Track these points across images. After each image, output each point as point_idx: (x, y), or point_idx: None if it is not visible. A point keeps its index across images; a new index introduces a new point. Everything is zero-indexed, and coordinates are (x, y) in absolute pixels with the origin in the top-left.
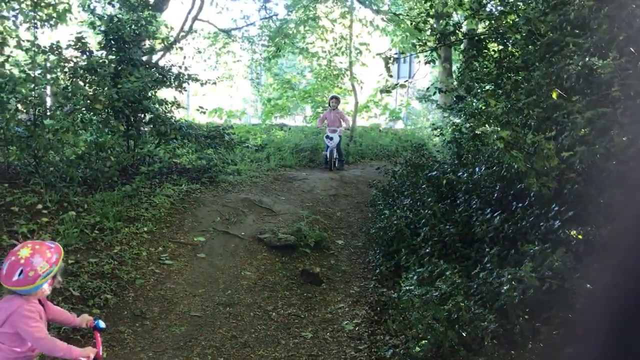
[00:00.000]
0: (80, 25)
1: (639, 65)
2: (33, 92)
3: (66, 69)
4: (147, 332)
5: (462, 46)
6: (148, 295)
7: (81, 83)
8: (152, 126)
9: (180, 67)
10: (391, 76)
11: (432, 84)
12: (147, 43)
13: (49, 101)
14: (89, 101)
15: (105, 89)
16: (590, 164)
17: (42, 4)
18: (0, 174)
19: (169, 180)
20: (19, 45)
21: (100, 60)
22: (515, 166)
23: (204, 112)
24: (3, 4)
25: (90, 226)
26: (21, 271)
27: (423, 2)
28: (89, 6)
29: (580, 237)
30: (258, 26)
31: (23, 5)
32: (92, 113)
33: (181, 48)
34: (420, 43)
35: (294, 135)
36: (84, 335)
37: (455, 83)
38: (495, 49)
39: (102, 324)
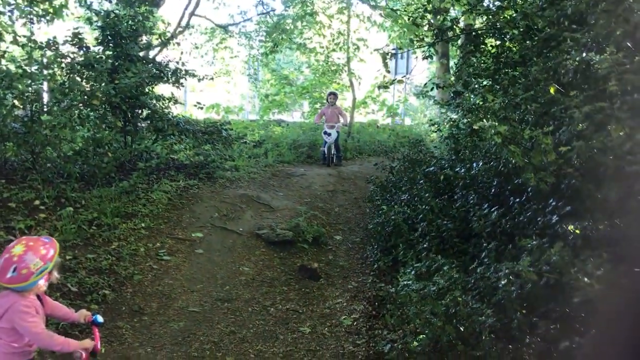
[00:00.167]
0: (77, 20)
1: (636, 60)
2: (30, 88)
3: (63, 65)
4: (145, 328)
5: (459, 42)
6: (146, 291)
7: (78, 79)
8: (149, 122)
9: (177, 62)
10: (388, 72)
11: (430, 80)
12: (144, 39)
13: (46, 97)
14: (86, 97)
15: (103, 84)
16: (588, 158)
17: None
18: None
19: (166, 176)
20: (15, 41)
21: (98, 56)
22: (513, 161)
23: (201, 108)
24: None
25: (88, 222)
26: (14, 268)
27: None
28: (85, 1)
29: (577, 231)
30: (255, 22)
31: (19, 0)
32: (89, 109)
33: (178, 44)
34: (418, 39)
35: (291, 131)
36: (82, 330)
37: (452, 79)
38: (493, 44)
39: (100, 319)
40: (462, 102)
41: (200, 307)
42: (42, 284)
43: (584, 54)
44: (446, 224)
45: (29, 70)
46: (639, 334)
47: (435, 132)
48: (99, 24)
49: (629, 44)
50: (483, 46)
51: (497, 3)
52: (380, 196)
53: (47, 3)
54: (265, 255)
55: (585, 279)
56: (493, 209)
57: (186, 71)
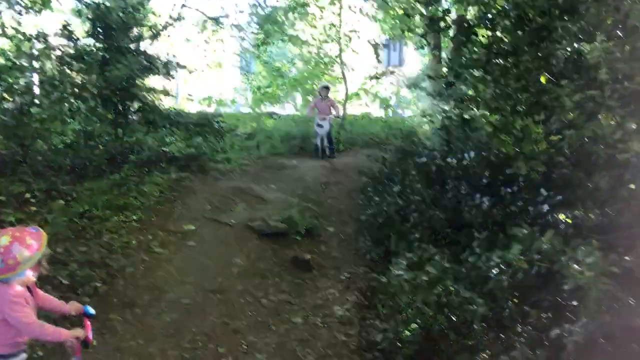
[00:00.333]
0: (67, 13)
1: (627, 49)
2: (19, 81)
3: (53, 57)
4: (137, 320)
5: (451, 33)
6: (138, 283)
7: (68, 71)
8: (140, 114)
9: (168, 54)
10: (380, 62)
11: (422, 72)
12: (135, 30)
13: (36, 90)
14: (76, 89)
15: (93, 76)
16: (579, 147)
17: None
18: None
19: (158, 169)
20: (3, 33)
21: (88, 48)
22: (504, 151)
23: (192, 100)
24: None
25: (79, 215)
26: (1, 259)
27: None
28: None
29: (568, 220)
30: (247, 13)
31: None
32: (79, 101)
33: (169, 36)
34: (409, 29)
35: (284, 123)
36: (73, 323)
37: (444, 70)
38: (485, 35)
39: (91, 310)
40: (454, 92)
41: (193, 299)
42: (31, 275)
43: (575, 45)
44: (438, 215)
45: (18, 63)
46: (628, 321)
47: (428, 123)
48: (89, 16)
49: (619, 33)
50: (475, 37)
51: None
52: (372, 188)
53: None
54: (258, 247)
55: (576, 266)
56: (484, 199)
57: (177, 63)
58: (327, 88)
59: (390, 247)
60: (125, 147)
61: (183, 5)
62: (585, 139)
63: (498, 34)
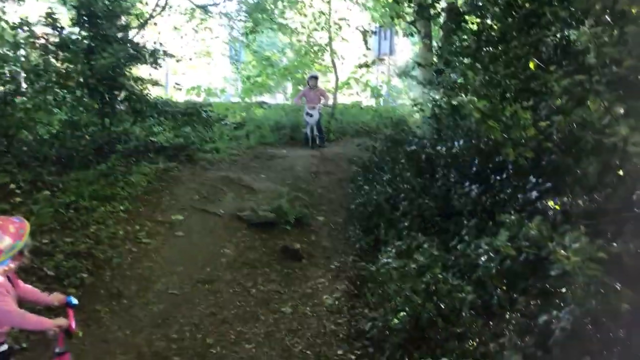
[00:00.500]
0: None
1: (615, 34)
2: (4, 70)
3: (37, 45)
4: (124, 311)
5: (441, 20)
6: (125, 274)
7: (53, 60)
8: (127, 104)
9: (155, 43)
10: (369, 49)
11: (412, 60)
12: (122, 19)
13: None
14: (61, 79)
15: (79, 65)
16: (567, 133)
17: None
18: None
19: (145, 159)
20: None
21: (73, 37)
22: (493, 138)
23: (180, 89)
24: None
25: (65, 205)
26: None
27: None
28: None
29: (557, 207)
30: (236, 2)
31: None
32: (65, 91)
33: (156, 24)
34: (399, 15)
35: (274, 113)
36: (57, 314)
37: (435, 58)
38: (474, 22)
39: (74, 301)
40: (444, 80)
41: (180, 290)
42: (11, 264)
43: (565, 32)
44: (427, 203)
45: (1, 52)
46: (614, 307)
47: (418, 112)
48: (73, 3)
49: (607, 18)
50: (464, 24)
51: None
52: (362, 177)
53: None
54: (247, 236)
55: (562, 252)
56: (474, 187)
57: (164, 52)
58: (315, 78)
59: (380, 235)
60: (112, 137)
61: None
62: (574, 124)
63: (488, 21)
